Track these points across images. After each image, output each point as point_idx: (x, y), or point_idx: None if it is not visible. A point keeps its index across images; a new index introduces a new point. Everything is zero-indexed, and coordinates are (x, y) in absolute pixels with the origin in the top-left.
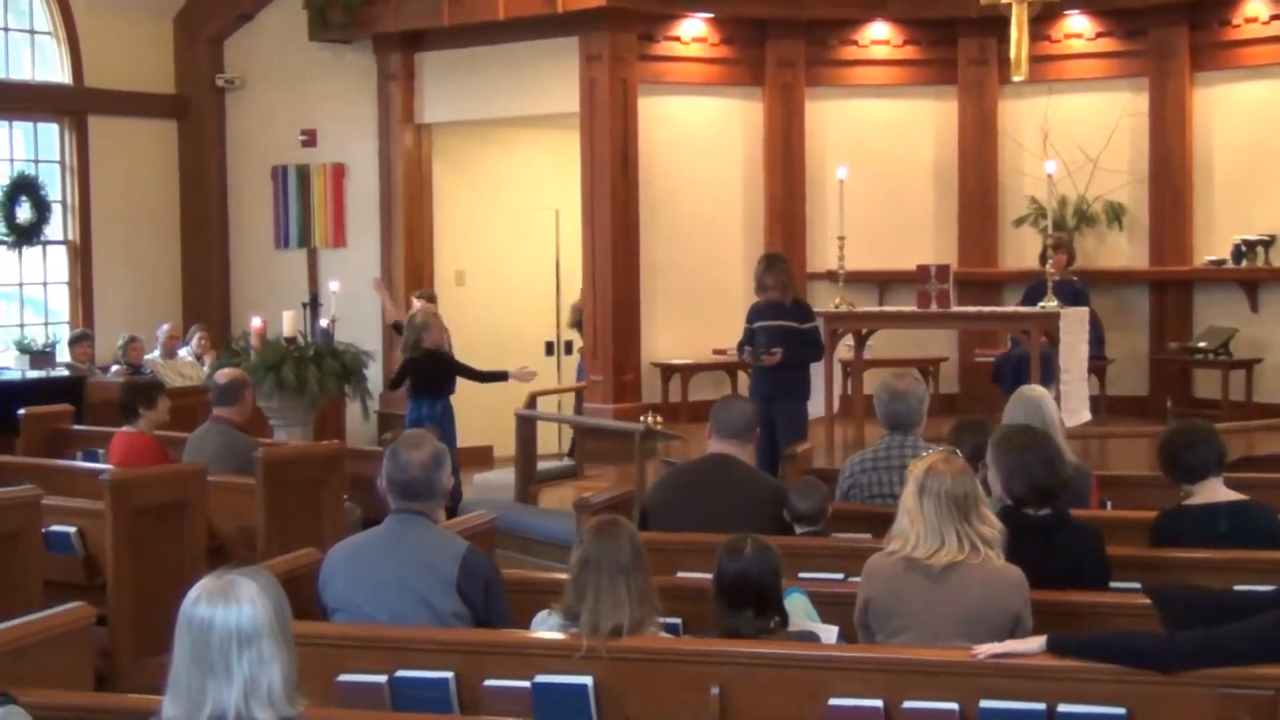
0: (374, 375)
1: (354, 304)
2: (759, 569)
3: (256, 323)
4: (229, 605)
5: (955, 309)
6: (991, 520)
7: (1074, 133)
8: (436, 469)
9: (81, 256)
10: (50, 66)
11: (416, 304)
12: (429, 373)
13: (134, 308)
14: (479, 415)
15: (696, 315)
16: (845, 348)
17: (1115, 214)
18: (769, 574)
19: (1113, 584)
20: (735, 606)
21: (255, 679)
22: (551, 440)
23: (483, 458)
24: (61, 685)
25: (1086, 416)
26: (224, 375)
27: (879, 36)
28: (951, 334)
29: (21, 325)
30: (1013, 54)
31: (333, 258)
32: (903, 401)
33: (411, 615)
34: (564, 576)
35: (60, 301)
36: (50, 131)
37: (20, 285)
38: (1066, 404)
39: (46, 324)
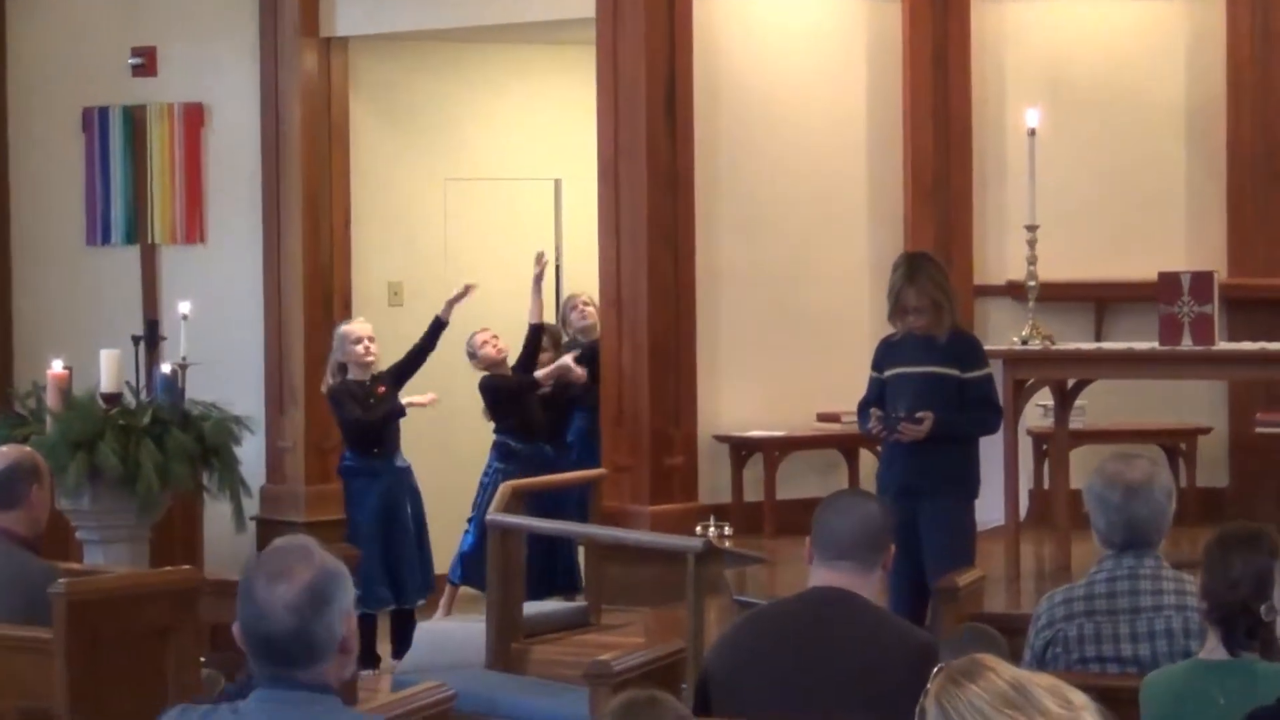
0: (251, 455)
1: (219, 336)
2: None
3: (56, 368)
4: None
5: (1223, 346)
6: (1061, 688)
7: None
8: (316, 613)
9: None
10: None
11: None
12: None
13: None
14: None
15: (788, 357)
16: (1039, 410)
17: None
18: None
19: None
20: None
21: None
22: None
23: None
24: None
25: None
26: None
27: None
28: (1217, 388)
29: None
30: None
31: (184, 260)
32: (1145, 500)
33: None
34: None
35: None
36: None
37: None
38: None
39: None
